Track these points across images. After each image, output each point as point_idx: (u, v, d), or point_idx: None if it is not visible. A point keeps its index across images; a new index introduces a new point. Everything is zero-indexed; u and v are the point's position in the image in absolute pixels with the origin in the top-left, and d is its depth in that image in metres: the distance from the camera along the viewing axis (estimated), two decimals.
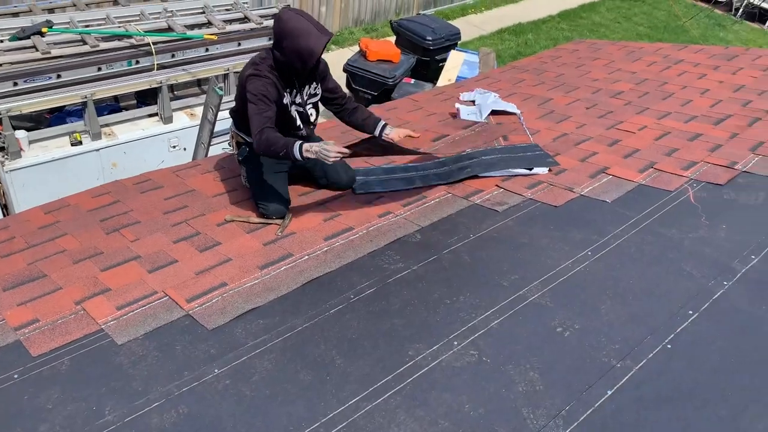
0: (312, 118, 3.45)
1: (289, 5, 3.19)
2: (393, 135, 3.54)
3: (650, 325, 2.46)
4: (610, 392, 2.16)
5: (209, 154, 4.65)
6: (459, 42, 9.50)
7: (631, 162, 3.74)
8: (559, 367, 2.28)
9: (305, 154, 2.96)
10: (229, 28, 6.28)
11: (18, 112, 5.16)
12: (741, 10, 14.08)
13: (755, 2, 13.87)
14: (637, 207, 3.29)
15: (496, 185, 3.57)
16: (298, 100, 3.34)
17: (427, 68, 8.86)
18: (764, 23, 14.01)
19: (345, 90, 3.52)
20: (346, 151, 2.91)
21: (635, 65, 5.57)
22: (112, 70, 5.59)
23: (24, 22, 5.78)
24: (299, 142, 2.99)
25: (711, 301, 2.59)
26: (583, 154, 3.90)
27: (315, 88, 3.39)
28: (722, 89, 4.77)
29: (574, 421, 2.05)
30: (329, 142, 2.96)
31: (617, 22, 13.31)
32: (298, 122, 3.36)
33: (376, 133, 3.52)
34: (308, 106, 3.40)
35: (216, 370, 2.30)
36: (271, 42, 3.21)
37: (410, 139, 3.60)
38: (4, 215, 5.23)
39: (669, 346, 2.35)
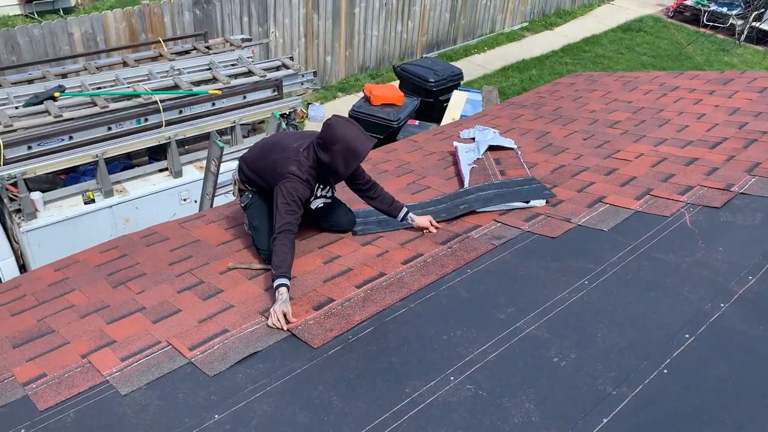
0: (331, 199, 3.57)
1: (337, 115, 3.29)
2: (419, 221, 3.55)
3: (646, 350, 2.46)
4: (606, 420, 2.15)
5: (214, 205, 4.76)
6: (462, 82, 9.68)
7: (627, 190, 3.77)
8: (555, 397, 2.28)
9: (276, 293, 2.92)
10: (234, 82, 6.49)
11: (32, 175, 5.34)
12: (744, 33, 14.16)
13: (756, 25, 13.96)
14: (633, 234, 3.30)
15: (494, 219, 3.62)
16: (327, 193, 3.47)
17: (431, 109, 9.01)
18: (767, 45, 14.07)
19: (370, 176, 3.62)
20: (283, 326, 2.80)
21: (632, 95, 5.63)
22: (122, 129, 5.78)
23: (38, 88, 6.03)
24: (286, 282, 2.94)
25: (708, 323, 2.58)
26: (580, 184, 3.94)
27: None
28: (718, 113, 4.80)
29: None
30: (289, 308, 2.85)
31: (620, 53, 13.44)
32: (318, 206, 3.48)
33: (399, 218, 3.57)
34: (331, 192, 3.53)
35: (216, 416, 2.34)
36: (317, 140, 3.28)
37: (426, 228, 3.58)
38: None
39: (665, 371, 2.35)
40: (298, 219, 3.19)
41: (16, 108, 5.64)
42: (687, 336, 2.51)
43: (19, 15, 11.64)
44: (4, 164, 5.19)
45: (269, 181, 3.32)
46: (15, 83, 6.25)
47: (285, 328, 2.80)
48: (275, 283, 2.95)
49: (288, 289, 2.94)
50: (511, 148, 4.61)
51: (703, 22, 14.84)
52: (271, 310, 2.87)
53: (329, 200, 3.53)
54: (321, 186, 3.42)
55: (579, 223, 3.46)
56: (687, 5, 15.39)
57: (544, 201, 3.74)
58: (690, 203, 3.52)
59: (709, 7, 14.88)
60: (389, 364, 2.55)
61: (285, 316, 2.82)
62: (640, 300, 2.79)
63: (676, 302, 2.74)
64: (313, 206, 3.46)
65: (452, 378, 2.42)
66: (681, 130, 4.62)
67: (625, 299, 2.81)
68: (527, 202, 3.72)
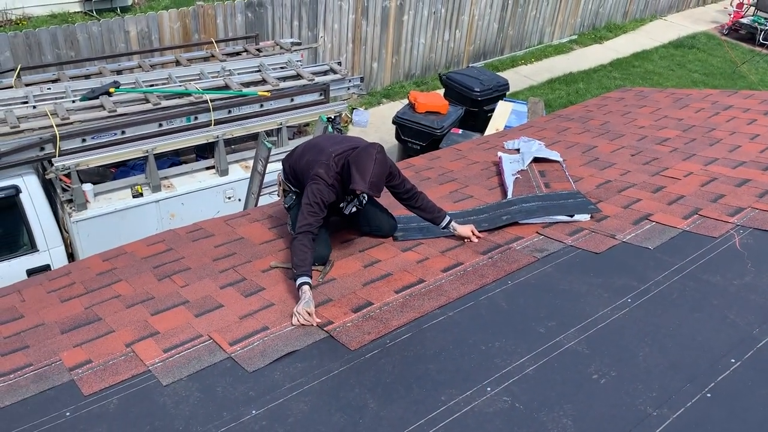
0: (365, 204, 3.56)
1: (378, 143, 3.31)
2: (460, 230, 3.54)
3: (690, 372, 2.41)
4: None
5: (259, 204, 4.83)
6: (508, 92, 9.62)
7: (675, 208, 3.70)
8: (593, 414, 2.25)
9: (299, 290, 2.98)
10: (283, 85, 6.58)
11: (85, 167, 5.51)
12: None
13: None
14: (680, 254, 3.24)
15: (537, 232, 3.59)
16: (356, 202, 3.48)
17: (476, 119, 8.98)
18: None
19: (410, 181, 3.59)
20: (312, 323, 2.86)
21: (682, 112, 5.53)
22: (173, 126, 5.92)
23: (94, 83, 6.22)
24: (308, 281, 3.01)
25: (755, 349, 2.52)
26: (626, 200, 3.89)
27: None
28: None
29: None
30: (312, 308, 2.89)
31: (671, 70, 13.19)
32: (352, 211, 3.50)
33: (441, 226, 3.57)
34: (365, 200, 3.52)
35: (253, 412, 2.37)
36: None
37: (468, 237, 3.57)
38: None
39: (709, 395, 2.29)
40: (319, 221, 3.23)
41: (73, 102, 5.83)
42: (733, 360, 2.45)
43: (78, 12, 12.03)
44: (59, 155, 5.37)
45: (304, 181, 3.37)
46: (73, 78, 6.46)
47: (315, 324, 2.84)
48: (298, 282, 3.01)
49: (310, 287, 2.99)
50: (557, 161, 4.57)
51: (759, 41, 14.48)
52: (295, 310, 2.91)
53: (362, 207, 3.54)
54: (349, 198, 3.44)
55: (624, 240, 3.41)
56: (743, 23, 15.03)
57: (589, 216, 3.69)
58: (740, 225, 3.44)
59: (766, 25, 14.51)
60: (426, 370, 2.55)
61: (309, 315, 2.86)
62: (684, 321, 2.73)
63: (723, 325, 2.68)
64: (346, 211, 3.49)
65: (489, 389, 2.41)
66: (733, 150, 4.52)
67: (669, 319, 2.75)
68: (571, 216, 3.68)
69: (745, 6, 15.12)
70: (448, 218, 3.56)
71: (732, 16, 15.31)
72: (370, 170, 3.16)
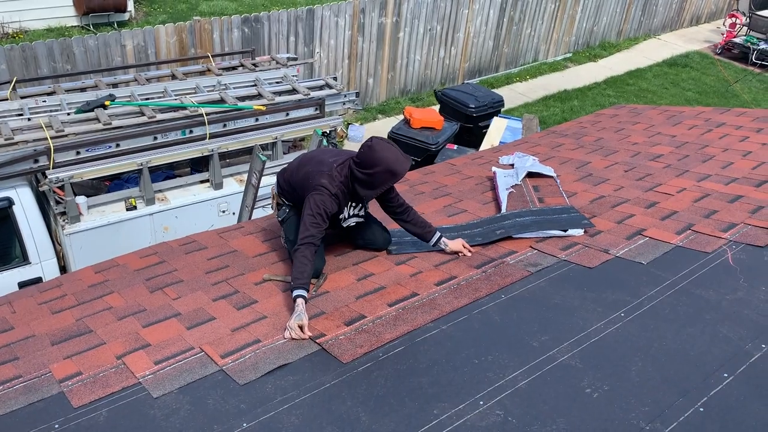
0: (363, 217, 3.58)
1: (377, 137, 3.32)
2: (452, 245, 3.54)
3: (682, 387, 2.40)
4: None
5: (253, 217, 4.83)
6: (503, 109, 9.68)
7: (668, 224, 3.72)
8: (586, 428, 2.24)
9: (294, 303, 2.96)
10: (278, 99, 6.60)
11: (79, 179, 5.49)
12: None
13: None
14: (673, 269, 3.25)
15: (530, 246, 3.59)
16: (360, 212, 3.50)
17: (471, 135, 9.03)
18: None
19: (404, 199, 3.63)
20: (304, 337, 2.84)
21: (675, 129, 5.56)
22: (167, 139, 5.92)
23: (89, 96, 6.23)
24: (304, 294, 2.98)
25: (748, 364, 2.52)
26: (619, 216, 3.90)
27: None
28: (765, 151, 4.71)
29: None
30: (305, 322, 2.87)
31: (665, 88, 13.30)
32: (350, 225, 3.52)
33: (431, 243, 3.57)
34: (364, 211, 3.55)
35: (244, 425, 2.35)
36: (350, 159, 3.31)
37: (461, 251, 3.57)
38: None
39: (701, 409, 2.29)
40: (321, 232, 3.22)
41: (68, 114, 5.83)
42: (725, 375, 2.45)
43: (75, 26, 12.08)
44: (53, 168, 5.36)
45: (302, 194, 3.36)
46: (68, 90, 6.47)
47: (306, 337, 2.82)
48: (293, 294, 2.99)
49: (305, 300, 2.97)
50: (551, 176, 4.59)
51: (751, 60, 14.63)
52: (287, 324, 2.89)
53: (362, 219, 3.55)
54: (353, 204, 3.45)
55: (617, 255, 3.42)
56: (736, 43, 15.20)
57: (582, 231, 3.70)
58: (733, 241, 3.45)
59: (758, 45, 14.67)
60: (418, 384, 2.53)
61: (301, 329, 2.85)
62: (677, 335, 2.73)
63: (715, 340, 2.68)
64: (344, 225, 3.49)
65: (481, 402, 2.40)
66: (726, 166, 4.55)
67: (662, 334, 2.75)
68: (565, 230, 3.69)
69: (737, 26, 15.30)
70: (438, 234, 3.56)
71: (725, 35, 15.48)
72: (396, 151, 3.20)
